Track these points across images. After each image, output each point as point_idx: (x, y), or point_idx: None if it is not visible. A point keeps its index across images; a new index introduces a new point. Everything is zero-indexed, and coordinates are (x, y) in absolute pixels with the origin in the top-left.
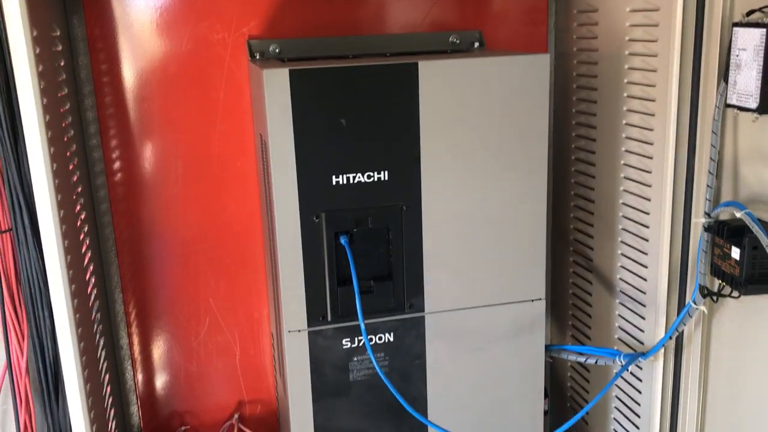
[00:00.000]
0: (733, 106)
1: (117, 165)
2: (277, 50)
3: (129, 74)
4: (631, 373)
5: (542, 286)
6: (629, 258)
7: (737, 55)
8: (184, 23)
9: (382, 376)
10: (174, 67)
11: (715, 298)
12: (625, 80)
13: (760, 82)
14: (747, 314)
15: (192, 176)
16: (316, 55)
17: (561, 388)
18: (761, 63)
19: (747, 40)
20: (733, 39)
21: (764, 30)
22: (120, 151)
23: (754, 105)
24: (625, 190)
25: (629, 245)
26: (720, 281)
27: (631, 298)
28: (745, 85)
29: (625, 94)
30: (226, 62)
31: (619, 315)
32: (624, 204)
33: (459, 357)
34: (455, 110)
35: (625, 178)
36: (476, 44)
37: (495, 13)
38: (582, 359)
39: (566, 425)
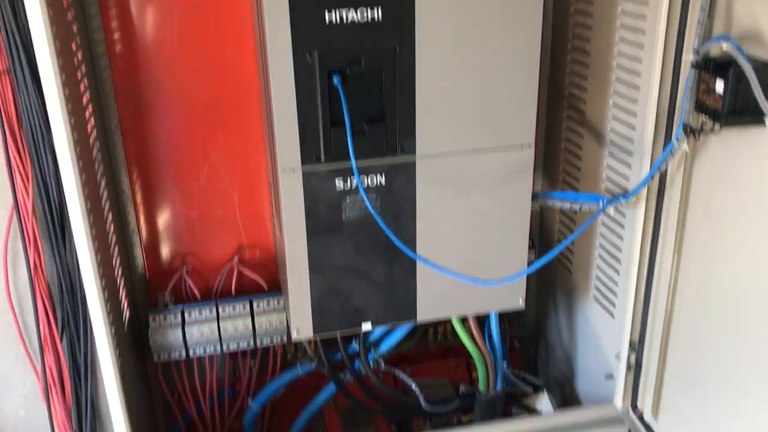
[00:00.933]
0: None
1: (115, 22)
2: None
3: None
4: (614, 220)
5: (531, 132)
6: (620, 108)
7: None
8: None
9: (374, 213)
10: None
11: (697, 135)
12: None
13: None
14: (727, 154)
15: (190, 28)
16: None
17: (549, 241)
18: None
19: None
20: None
21: None
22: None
23: None
24: (620, 39)
25: (621, 95)
26: (703, 117)
27: (620, 147)
28: None
29: None
30: None
31: (608, 165)
32: (618, 53)
33: (448, 200)
34: None
35: (621, 26)
36: None
37: None
38: (567, 205)
39: (543, 260)
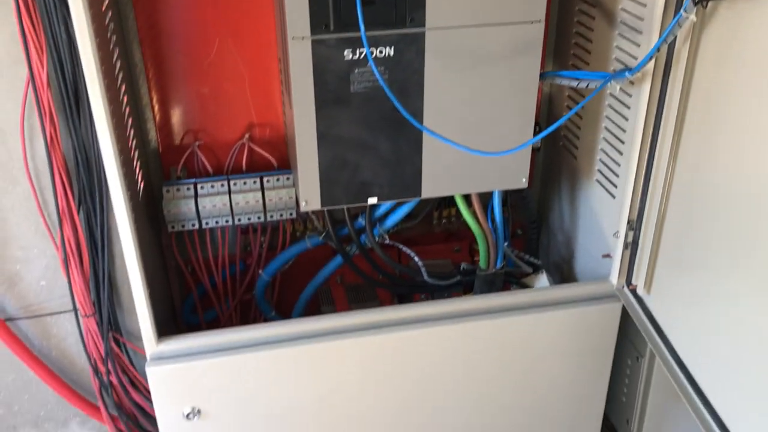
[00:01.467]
0: None
1: None
2: None
3: None
4: (620, 101)
5: (542, 8)
6: None
7: None
8: None
9: (382, 83)
10: None
11: (705, 3)
12: None
13: None
14: (734, 27)
15: None
16: None
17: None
18: None
19: None
20: None
21: None
22: None
23: None
24: None
25: None
26: None
27: (630, 27)
28: None
29: None
30: None
31: (617, 46)
32: None
33: (457, 74)
34: None
35: None
36: None
37: None
38: (574, 83)
39: (546, 131)
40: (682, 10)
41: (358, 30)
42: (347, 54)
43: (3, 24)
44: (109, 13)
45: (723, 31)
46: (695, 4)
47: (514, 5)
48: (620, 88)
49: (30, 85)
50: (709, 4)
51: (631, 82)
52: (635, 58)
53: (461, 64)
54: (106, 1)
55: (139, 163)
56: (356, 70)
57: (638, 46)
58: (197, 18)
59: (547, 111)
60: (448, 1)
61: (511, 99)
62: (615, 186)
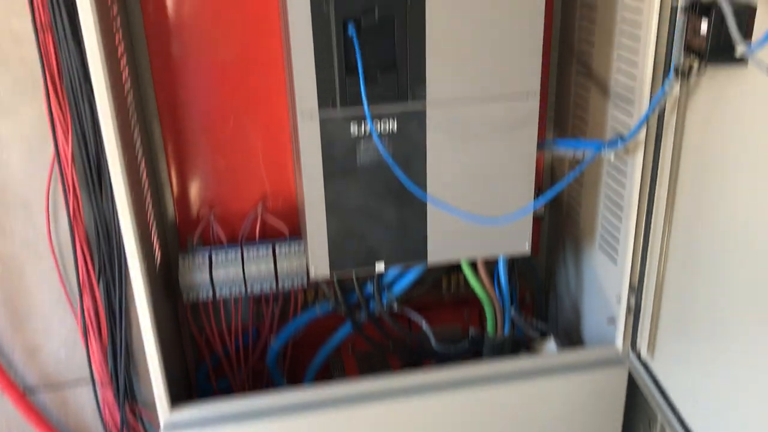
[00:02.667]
0: None
1: None
2: None
3: None
4: (617, 168)
5: (537, 80)
6: (623, 60)
7: None
8: None
9: (386, 156)
10: None
11: (686, 76)
12: None
13: None
14: (715, 95)
15: None
16: None
17: (559, 194)
18: None
19: None
20: None
21: None
22: None
23: None
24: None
25: (624, 47)
26: (691, 58)
27: (622, 98)
28: None
29: None
30: None
31: (612, 116)
32: (622, 7)
33: (457, 146)
34: None
35: None
36: None
37: None
38: (570, 151)
39: (545, 197)
40: (666, 83)
41: (363, 105)
42: (353, 128)
43: (32, 105)
44: (131, 94)
45: (707, 100)
46: (678, 77)
47: (510, 79)
48: (615, 156)
49: (55, 161)
50: (692, 77)
51: (625, 150)
52: (628, 127)
53: (462, 136)
54: (128, 84)
55: (156, 235)
56: (362, 144)
57: (630, 115)
58: (214, 96)
59: (549, 177)
60: (447, 76)
61: (511, 168)
62: (616, 251)
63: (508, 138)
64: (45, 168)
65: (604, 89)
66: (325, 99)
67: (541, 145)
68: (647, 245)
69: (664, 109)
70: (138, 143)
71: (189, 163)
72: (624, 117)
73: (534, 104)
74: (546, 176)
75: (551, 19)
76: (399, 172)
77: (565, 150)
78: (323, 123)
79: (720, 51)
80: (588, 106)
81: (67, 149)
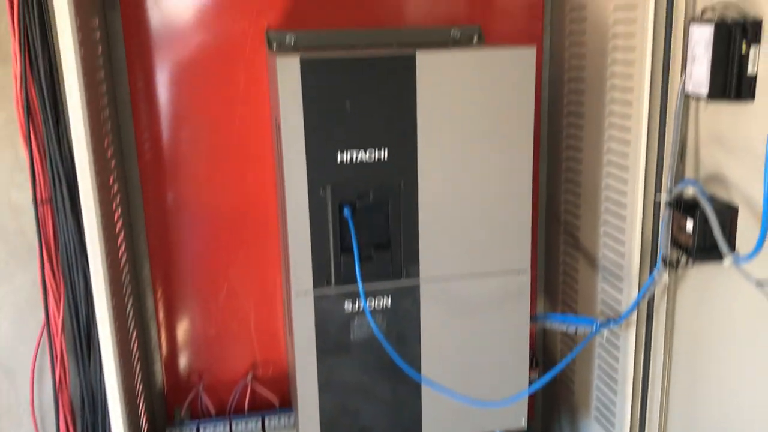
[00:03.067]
0: (690, 94)
1: (147, 144)
2: (292, 41)
3: (158, 62)
4: (610, 341)
5: (527, 258)
6: (609, 236)
7: (693, 49)
8: (210, 16)
9: (379, 336)
10: (200, 57)
11: (675, 268)
12: (609, 73)
13: (709, 72)
14: (704, 285)
15: (215, 155)
16: (327, 45)
17: (552, 359)
18: (710, 55)
19: (700, 35)
20: (689, 34)
21: (713, 26)
22: (150, 130)
23: (705, 92)
24: (607, 174)
25: (610, 223)
26: (678, 252)
27: (611, 273)
28: (698, 76)
29: (609, 86)
30: (246, 52)
31: (601, 289)
32: (606, 187)
33: (451, 322)
34: (449, 97)
35: (607, 162)
36: (475, 39)
37: (495, 9)
38: (564, 327)
39: (540, 382)
40: (654, 272)
41: (357, 283)
42: (347, 305)
43: (25, 273)
44: (126, 267)
45: (696, 288)
46: (666, 267)
47: (501, 257)
48: (608, 332)
49: (45, 329)
50: (680, 269)
51: (618, 327)
52: (618, 302)
53: (455, 312)
54: (124, 257)
55: (144, 405)
56: (356, 320)
57: (620, 291)
58: (208, 266)
59: (542, 342)
60: (440, 254)
61: (505, 343)
62: (612, 424)
63: (501, 312)
64: (33, 335)
65: (592, 262)
66: (320, 278)
67: (533, 318)
68: (644, 420)
69: (654, 293)
70: (130, 313)
71: (180, 331)
72: (614, 292)
73: (525, 280)
74: (539, 337)
75: (537, 188)
76: (394, 354)
77: (558, 325)
78: (317, 300)
79: (707, 250)
80: (577, 277)
81: (58, 317)
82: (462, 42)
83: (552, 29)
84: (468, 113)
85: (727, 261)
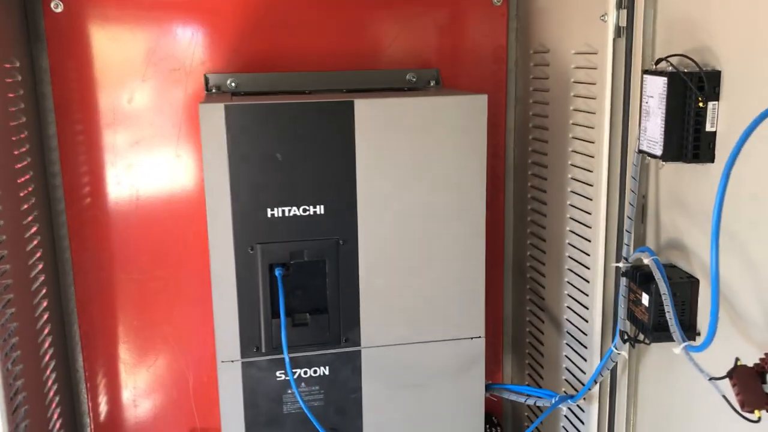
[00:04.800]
0: (644, 152)
1: (76, 192)
2: (233, 84)
3: (89, 103)
4: (574, 413)
5: (481, 324)
6: (574, 299)
7: (647, 102)
8: (146, 56)
9: (307, 412)
10: (135, 99)
11: (632, 344)
12: (571, 122)
13: (663, 129)
14: (664, 362)
15: (149, 206)
16: (272, 90)
17: (518, 424)
18: (664, 111)
19: (653, 87)
20: (643, 86)
21: (666, 78)
22: (79, 178)
23: (659, 152)
24: (570, 231)
25: (574, 286)
26: (635, 329)
27: (576, 339)
28: (652, 132)
29: (571, 135)
30: (185, 95)
31: (566, 356)
32: (569, 244)
33: (396, 393)
34: (393, 147)
35: (570, 218)
36: (432, 82)
37: (459, 51)
38: (521, 399)
39: None
40: (612, 347)
41: (291, 351)
42: (279, 375)
43: None
44: (49, 326)
45: (655, 363)
46: (624, 342)
47: (452, 323)
48: (569, 407)
49: None
50: (638, 344)
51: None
52: (583, 371)
53: (401, 381)
54: (45, 317)
55: None
56: (289, 391)
57: (584, 360)
58: (142, 323)
59: (511, 406)
60: (383, 320)
61: (458, 415)
62: None
63: (453, 381)
64: None
65: (558, 326)
66: (248, 345)
67: (489, 387)
68: None
69: (616, 365)
70: (54, 376)
71: (111, 396)
72: (578, 360)
73: (480, 346)
74: (506, 403)
75: (503, 245)
76: (322, 430)
77: (516, 397)
78: (245, 368)
79: (664, 329)
80: (543, 341)
81: None
82: (418, 86)
83: (517, 72)
84: (414, 165)
85: (677, 350)
